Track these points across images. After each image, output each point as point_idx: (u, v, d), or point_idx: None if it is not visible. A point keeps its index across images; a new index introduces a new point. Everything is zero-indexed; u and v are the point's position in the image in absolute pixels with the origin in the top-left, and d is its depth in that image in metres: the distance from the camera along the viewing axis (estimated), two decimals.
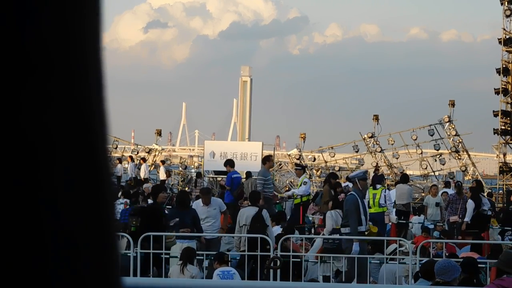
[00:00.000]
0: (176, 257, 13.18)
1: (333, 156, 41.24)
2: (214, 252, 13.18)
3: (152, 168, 40.96)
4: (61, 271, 0.75)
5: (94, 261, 0.79)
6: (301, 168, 21.54)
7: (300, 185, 20.14)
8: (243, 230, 14.16)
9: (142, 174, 33.82)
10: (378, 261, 13.51)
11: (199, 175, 31.59)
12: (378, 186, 18.91)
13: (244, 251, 13.47)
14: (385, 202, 18.59)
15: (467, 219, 19.08)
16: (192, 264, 12.08)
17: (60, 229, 0.76)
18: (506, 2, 36.65)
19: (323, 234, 14.84)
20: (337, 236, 13.91)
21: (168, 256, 13.56)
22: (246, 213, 14.44)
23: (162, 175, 34.85)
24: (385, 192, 18.85)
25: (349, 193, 14.34)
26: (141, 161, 36.85)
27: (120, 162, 35.39)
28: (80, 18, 0.79)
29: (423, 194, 35.19)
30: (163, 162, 37.89)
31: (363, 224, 13.70)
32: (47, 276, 0.74)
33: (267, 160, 20.17)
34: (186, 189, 33.98)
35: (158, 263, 13.45)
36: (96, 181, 0.80)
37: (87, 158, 0.79)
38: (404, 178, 22.92)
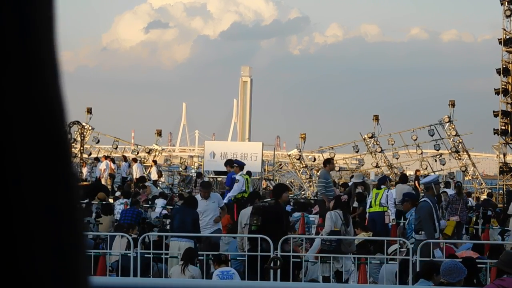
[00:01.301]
0: (176, 257, 13.23)
1: (333, 156, 41.21)
2: (213, 252, 13.23)
3: (151, 169, 41.00)
4: (22, 269, 0.74)
5: (55, 259, 0.77)
6: (237, 166, 21.08)
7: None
8: (245, 230, 14.18)
9: (135, 174, 33.90)
10: (378, 261, 13.50)
11: (199, 175, 31.59)
12: (382, 186, 19.04)
13: (249, 250, 13.47)
14: (387, 202, 18.61)
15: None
16: (193, 264, 12.08)
17: (23, 227, 0.74)
18: (506, 3, 36.64)
19: (321, 235, 14.80)
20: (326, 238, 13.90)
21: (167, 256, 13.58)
22: (247, 213, 14.45)
23: (153, 175, 34.92)
24: (387, 192, 18.88)
25: (423, 200, 13.83)
26: (133, 161, 36.97)
27: (114, 162, 35.38)
28: (34, 10, 0.79)
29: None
30: (155, 162, 37.92)
31: (437, 231, 13.61)
32: (9, 275, 0.73)
33: (327, 162, 19.88)
34: (187, 189, 34.04)
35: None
36: (55, 174, 0.79)
37: (45, 152, 0.78)
38: (404, 178, 22.92)
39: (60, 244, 0.78)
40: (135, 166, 35.56)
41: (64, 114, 0.82)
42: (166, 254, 13.95)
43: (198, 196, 15.31)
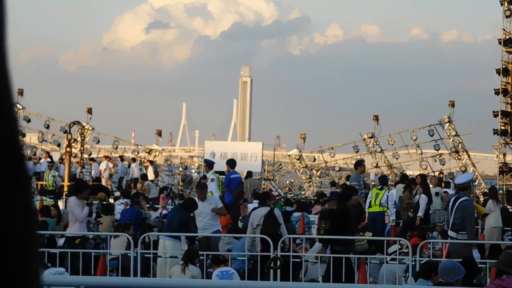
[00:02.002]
0: (160, 256, 13.38)
1: (333, 157, 41.25)
2: (212, 252, 13.25)
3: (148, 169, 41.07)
4: None
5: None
6: (206, 164, 20.94)
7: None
8: (257, 231, 14.18)
9: (134, 173, 33.97)
10: (378, 261, 13.51)
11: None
12: (383, 186, 19.08)
13: (260, 251, 13.49)
14: (387, 202, 18.63)
15: (420, 214, 18.93)
16: (193, 264, 12.11)
17: None
18: (506, 3, 36.65)
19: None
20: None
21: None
22: (259, 213, 14.45)
23: (150, 175, 34.99)
24: (388, 192, 18.89)
25: (465, 199, 13.08)
26: (132, 161, 37.01)
27: (109, 160, 35.46)
28: None
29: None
30: (151, 162, 37.97)
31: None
32: None
33: (358, 165, 19.82)
34: (187, 190, 34.06)
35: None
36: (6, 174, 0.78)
37: None
38: (404, 178, 22.91)
39: (7, 243, 0.77)
40: (133, 166, 35.64)
41: (8, 94, 0.82)
42: (165, 254, 14.00)
43: (196, 198, 15.23)
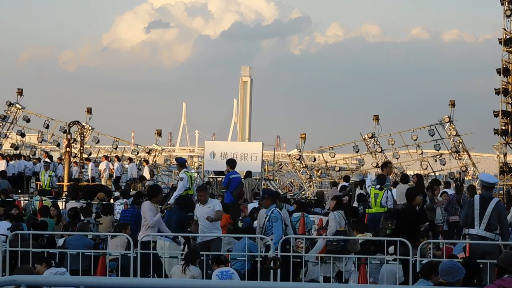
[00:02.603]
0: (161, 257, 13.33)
1: (333, 156, 41.23)
2: (212, 253, 13.21)
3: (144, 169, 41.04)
4: None
5: None
6: (177, 163, 20.83)
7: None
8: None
9: (129, 173, 33.97)
10: (379, 262, 13.48)
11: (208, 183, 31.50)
12: (382, 186, 18.96)
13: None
14: (387, 203, 18.55)
15: None
16: (194, 265, 12.08)
17: None
18: (506, 2, 36.61)
19: (326, 235, 14.75)
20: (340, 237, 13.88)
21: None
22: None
23: (146, 175, 35.00)
24: (387, 193, 18.81)
25: (499, 199, 13.04)
26: (128, 161, 36.96)
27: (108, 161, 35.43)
28: None
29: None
30: (146, 162, 37.97)
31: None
32: None
33: (384, 166, 19.82)
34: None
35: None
36: None
37: None
38: (405, 179, 22.85)
39: None
40: (130, 166, 35.63)
41: None
42: (163, 254, 13.97)
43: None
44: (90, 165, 34.72)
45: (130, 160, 37.42)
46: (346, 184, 25.08)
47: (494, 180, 13.33)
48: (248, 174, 26.75)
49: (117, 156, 38.30)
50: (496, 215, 12.52)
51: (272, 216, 14.15)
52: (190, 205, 16.06)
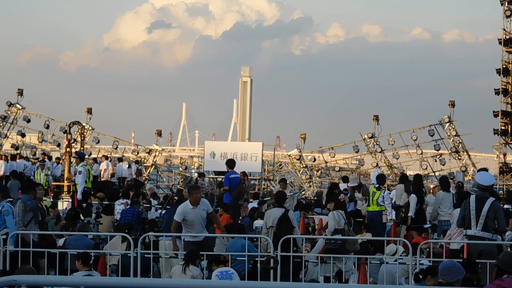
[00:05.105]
0: (161, 256, 13.30)
1: (333, 157, 41.24)
2: (211, 253, 13.21)
3: (151, 169, 41.02)
4: None
5: None
6: (76, 156, 20.75)
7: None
8: (270, 232, 14.05)
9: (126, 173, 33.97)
10: (378, 261, 13.50)
11: (201, 174, 31.54)
12: (381, 186, 19.07)
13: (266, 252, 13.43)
14: (383, 202, 18.60)
15: (410, 214, 18.70)
16: (194, 265, 12.09)
17: None
18: (506, 3, 36.64)
19: (325, 235, 14.77)
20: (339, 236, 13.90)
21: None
22: (273, 214, 14.29)
23: (131, 175, 34.97)
24: (383, 193, 18.86)
25: (495, 199, 12.76)
26: (117, 161, 36.87)
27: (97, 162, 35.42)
28: None
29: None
30: (136, 162, 37.94)
31: None
32: None
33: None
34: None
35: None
36: None
37: None
38: (405, 179, 22.87)
39: None
40: (121, 165, 35.60)
41: None
42: (166, 254, 13.98)
43: (187, 203, 13.97)
44: (95, 166, 34.74)
45: (120, 160, 37.23)
46: (345, 185, 25.06)
47: (489, 182, 12.74)
48: (244, 174, 26.72)
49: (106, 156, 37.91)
50: (492, 215, 12.46)
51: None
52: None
